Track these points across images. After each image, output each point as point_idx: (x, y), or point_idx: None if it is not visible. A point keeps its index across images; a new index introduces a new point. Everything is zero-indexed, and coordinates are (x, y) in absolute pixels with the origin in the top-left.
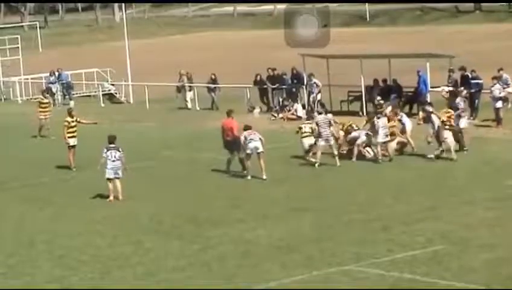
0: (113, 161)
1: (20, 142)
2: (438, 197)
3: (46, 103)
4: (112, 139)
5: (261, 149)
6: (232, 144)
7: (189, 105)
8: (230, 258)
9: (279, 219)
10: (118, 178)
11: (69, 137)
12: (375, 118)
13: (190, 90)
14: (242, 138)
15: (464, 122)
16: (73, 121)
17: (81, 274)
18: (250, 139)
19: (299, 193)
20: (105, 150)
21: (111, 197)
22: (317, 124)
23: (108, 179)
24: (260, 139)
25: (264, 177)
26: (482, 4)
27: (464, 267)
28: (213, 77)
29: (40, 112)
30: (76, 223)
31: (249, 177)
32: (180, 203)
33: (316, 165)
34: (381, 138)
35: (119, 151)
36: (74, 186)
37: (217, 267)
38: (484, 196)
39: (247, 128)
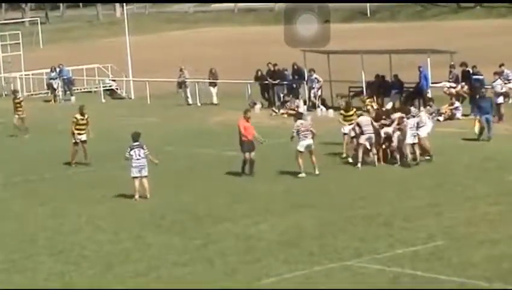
0: (138, 159)
1: (21, 138)
2: (440, 193)
3: (19, 102)
4: (136, 137)
5: (313, 146)
6: (241, 145)
7: (190, 101)
8: (231, 253)
9: (281, 215)
10: (145, 176)
11: (78, 134)
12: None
13: (215, 86)
14: (294, 130)
15: (424, 131)
16: (82, 119)
17: (83, 270)
18: (304, 137)
19: (301, 188)
20: (128, 149)
21: (136, 197)
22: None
23: (134, 178)
24: (311, 132)
25: (317, 172)
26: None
27: (464, 262)
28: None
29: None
30: (77, 218)
31: (303, 175)
32: (182, 198)
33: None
34: (409, 138)
35: (144, 149)
36: (76, 182)
37: (218, 262)
38: (486, 192)
39: (299, 116)
